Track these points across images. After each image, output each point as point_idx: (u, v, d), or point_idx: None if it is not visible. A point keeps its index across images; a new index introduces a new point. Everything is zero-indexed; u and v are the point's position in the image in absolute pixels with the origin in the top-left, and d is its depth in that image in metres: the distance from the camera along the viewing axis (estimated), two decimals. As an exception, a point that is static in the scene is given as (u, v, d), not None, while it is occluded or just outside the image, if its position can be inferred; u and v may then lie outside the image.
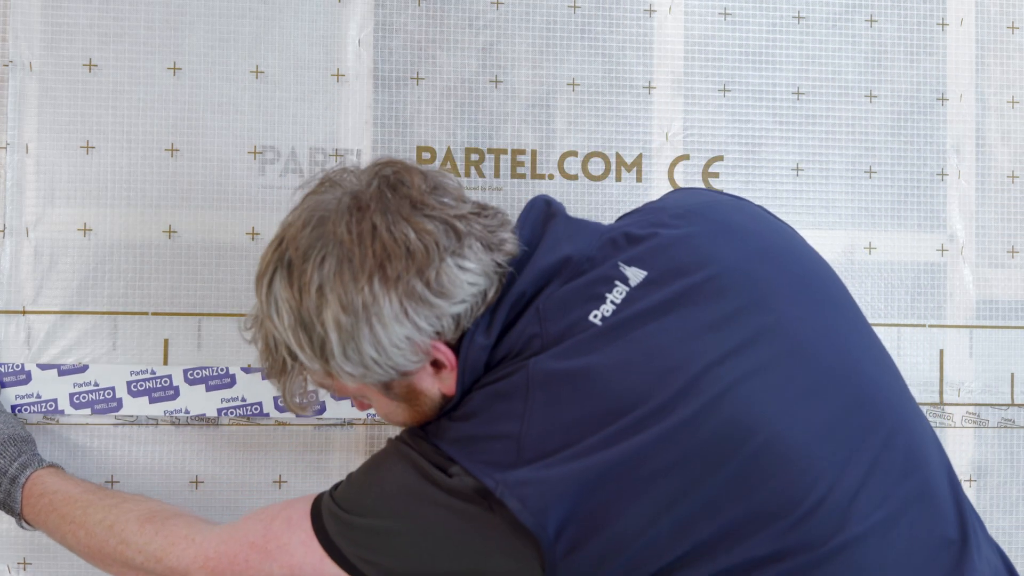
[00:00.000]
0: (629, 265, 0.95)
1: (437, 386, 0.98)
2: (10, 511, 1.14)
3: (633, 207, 1.36)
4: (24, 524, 1.14)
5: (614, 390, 0.89)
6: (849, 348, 0.96)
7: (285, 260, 0.94)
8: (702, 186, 1.38)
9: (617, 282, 0.94)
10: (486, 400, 0.93)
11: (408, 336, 0.92)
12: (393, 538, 0.94)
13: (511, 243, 0.97)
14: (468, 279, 0.93)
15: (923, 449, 0.96)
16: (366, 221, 0.92)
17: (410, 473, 0.94)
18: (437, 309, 0.92)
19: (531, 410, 0.90)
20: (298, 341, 0.94)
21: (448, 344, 0.95)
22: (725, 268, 0.94)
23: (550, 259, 0.96)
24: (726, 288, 0.93)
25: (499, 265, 0.96)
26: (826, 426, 0.90)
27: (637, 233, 0.98)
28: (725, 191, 1.11)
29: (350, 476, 1.00)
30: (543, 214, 1.01)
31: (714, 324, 0.91)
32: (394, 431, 1.16)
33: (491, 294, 0.95)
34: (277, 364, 0.98)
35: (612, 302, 0.93)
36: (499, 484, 0.88)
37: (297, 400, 1.02)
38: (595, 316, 0.93)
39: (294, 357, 0.96)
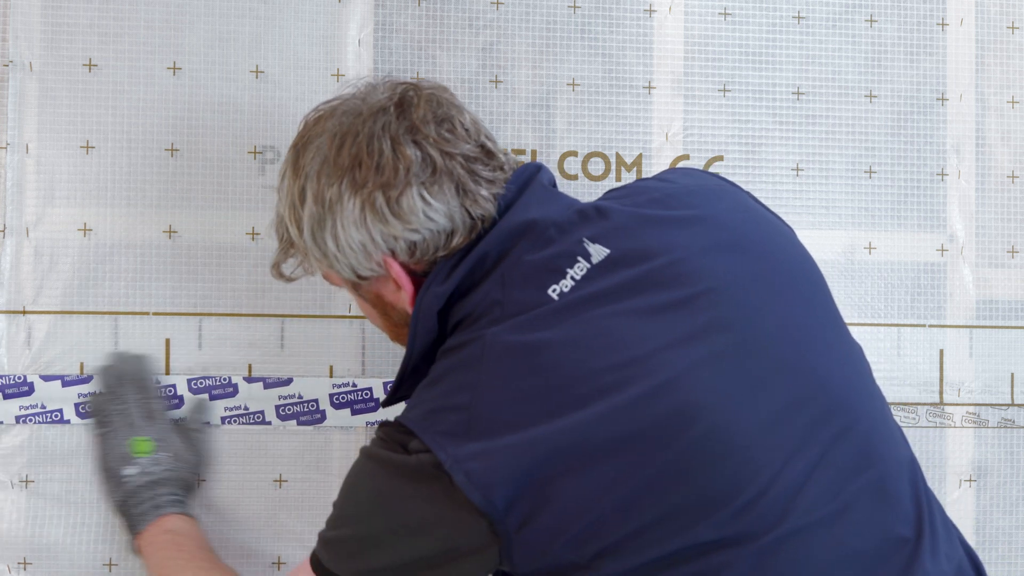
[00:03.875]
0: (593, 242, 0.96)
1: (401, 303, 1.02)
2: (131, 528, 1.20)
3: (633, 207, 1.37)
4: (133, 547, 1.20)
5: (562, 366, 0.90)
6: (809, 343, 0.96)
7: (298, 145, 1.02)
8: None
9: (579, 258, 0.95)
10: (447, 369, 0.95)
11: (362, 242, 0.97)
12: (375, 539, 0.95)
13: (485, 201, 0.98)
14: (428, 212, 0.96)
15: (881, 446, 0.96)
16: (356, 128, 0.97)
17: (377, 473, 0.96)
18: (392, 228, 0.96)
19: (483, 382, 0.91)
20: (289, 217, 1.02)
21: (406, 267, 0.99)
22: (686, 255, 0.95)
23: (516, 221, 0.97)
24: (684, 275, 0.94)
25: (469, 215, 0.97)
26: (772, 418, 0.91)
27: (609, 208, 0.99)
28: (721, 176, 1.11)
29: (333, 503, 1.02)
30: (526, 178, 1.02)
31: (667, 309, 0.92)
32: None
33: (457, 240, 0.97)
34: (279, 233, 1.07)
35: (572, 278, 0.94)
36: (449, 458, 0.89)
37: (285, 272, 1.11)
38: (554, 291, 0.93)
39: (287, 230, 1.04)
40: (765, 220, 1.05)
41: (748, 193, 1.09)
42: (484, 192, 0.98)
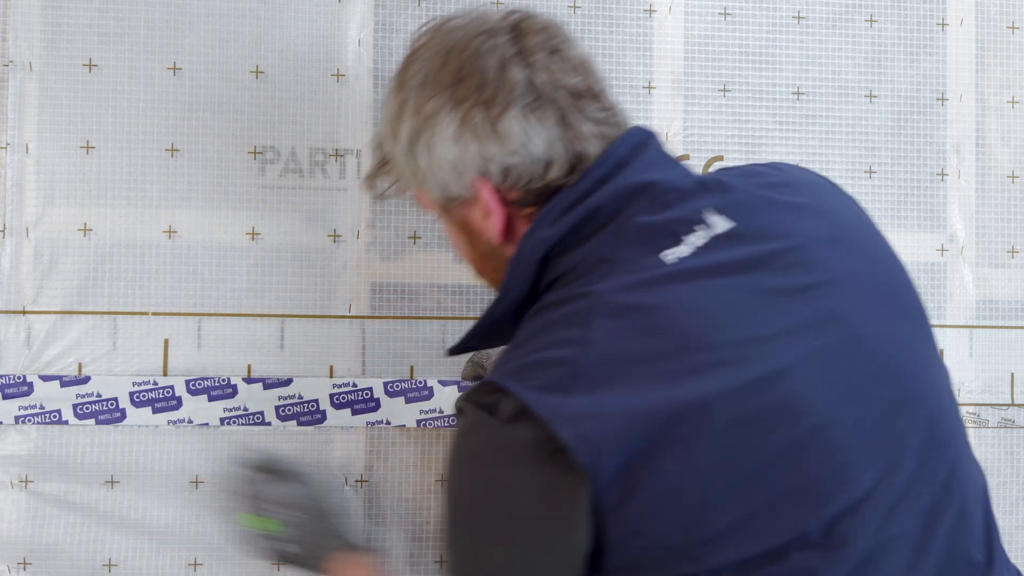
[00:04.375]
0: (718, 212, 0.92)
1: (488, 233, 0.98)
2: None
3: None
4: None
5: (678, 332, 0.85)
6: (911, 352, 0.93)
7: (407, 59, 1.00)
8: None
9: (699, 227, 0.91)
10: (546, 324, 0.89)
11: (456, 159, 0.94)
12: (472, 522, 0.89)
13: (588, 139, 0.94)
14: (527, 137, 0.92)
15: (964, 467, 0.93)
16: (463, 45, 0.95)
17: (470, 440, 0.88)
18: (487, 148, 0.93)
19: (592, 339, 0.85)
20: (388, 131, 1.00)
21: (498, 193, 0.95)
22: (806, 243, 0.91)
23: (634, 180, 0.93)
24: (803, 263, 0.90)
25: (570, 149, 0.94)
26: (875, 421, 0.88)
27: (730, 183, 0.95)
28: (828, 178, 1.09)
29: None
30: (641, 139, 0.98)
31: (787, 294, 0.88)
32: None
33: (554, 172, 0.93)
34: (377, 147, 1.06)
35: (691, 244, 0.90)
36: (555, 416, 0.82)
37: (375, 187, 1.09)
38: (667, 255, 0.89)
39: (384, 145, 1.02)
40: (870, 226, 1.02)
41: (851, 197, 1.05)
42: (588, 128, 0.94)
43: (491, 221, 0.97)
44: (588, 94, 0.96)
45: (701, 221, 0.91)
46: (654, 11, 1.39)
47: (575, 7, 1.37)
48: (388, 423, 1.32)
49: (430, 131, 0.95)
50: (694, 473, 0.83)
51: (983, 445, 1.41)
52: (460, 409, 0.91)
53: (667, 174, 0.95)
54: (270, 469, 1.16)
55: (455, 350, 1.03)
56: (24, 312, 1.29)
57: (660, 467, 0.83)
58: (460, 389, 1.30)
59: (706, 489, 0.84)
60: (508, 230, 0.97)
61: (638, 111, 1.38)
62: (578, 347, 0.85)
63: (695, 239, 0.90)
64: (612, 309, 0.87)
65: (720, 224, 0.91)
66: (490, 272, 1.02)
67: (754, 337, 0.86)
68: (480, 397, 0.88)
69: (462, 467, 0.89)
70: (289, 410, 1.31)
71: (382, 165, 1.05)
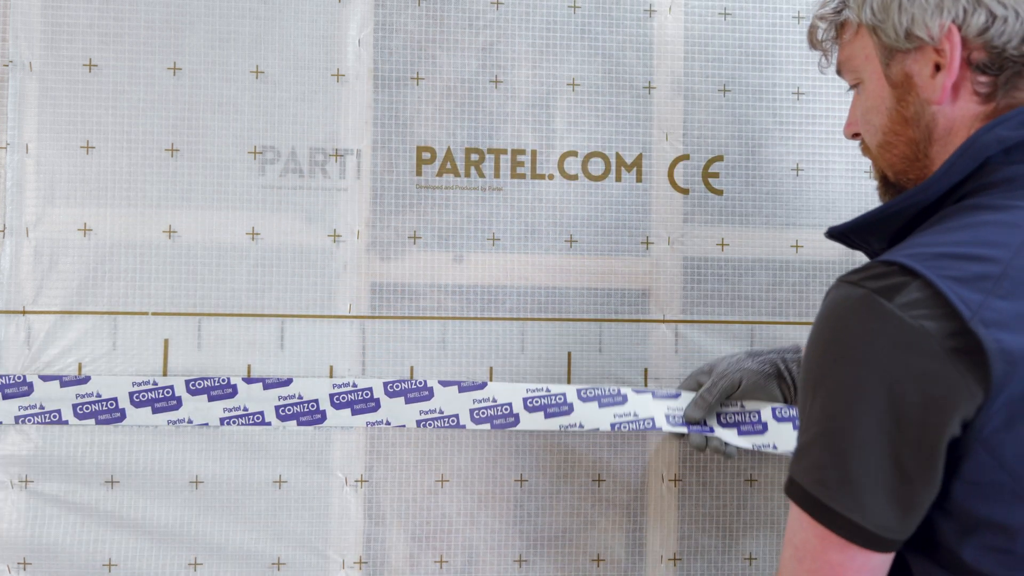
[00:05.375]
0: None
1: (929, 92, 0.95)
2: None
3: (633, 207, 1.37)
4: None
5: None
6: None
7: None
8: (702, 186, 1.38)
9: None
10: (973, 223, 0.87)
11: None
12: (850, 391, 0.84)
13: None
14: None
15: None
16: None
17: (858, 321, 0.84)
18: None
19: None
20: None
21: (963, 47, 0.92)
22: None
23: None
24: None
25: None
26: None
27: None
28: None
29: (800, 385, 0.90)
30: None
31: None
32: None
33: None
34: (827, 5, 1.04)
35: None
36: (974, 316, 0.80)
37: (817, 31, 1.07)
38: None
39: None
40: None
41: None
42: None
43: (940, 78, 0.94)
44: None
45: None
46: (654, 11, 1.39)
47: (575, 7, 1.37)
48: (388, 423, 1.32)
49: None
50: None
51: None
52: (843, 291, 0.87)
53: None
54: None
55: (834, 234, 1.01)
56: (24, 312, 1.29)
57: None
58: (461, 390, 1.30)
59: None
60: (952, 93, 0.94)
61: (638, 111, 1.38)
62: (1011, 251, 0.83)
63: None
64: None
65: None
66: (899, 145, 1.00)
67: None
68: (881, 279, 0.85)
69: (840, 348, 0.85)
70: (289, 410, 1.31)
71: (837, 11, 1.03)
